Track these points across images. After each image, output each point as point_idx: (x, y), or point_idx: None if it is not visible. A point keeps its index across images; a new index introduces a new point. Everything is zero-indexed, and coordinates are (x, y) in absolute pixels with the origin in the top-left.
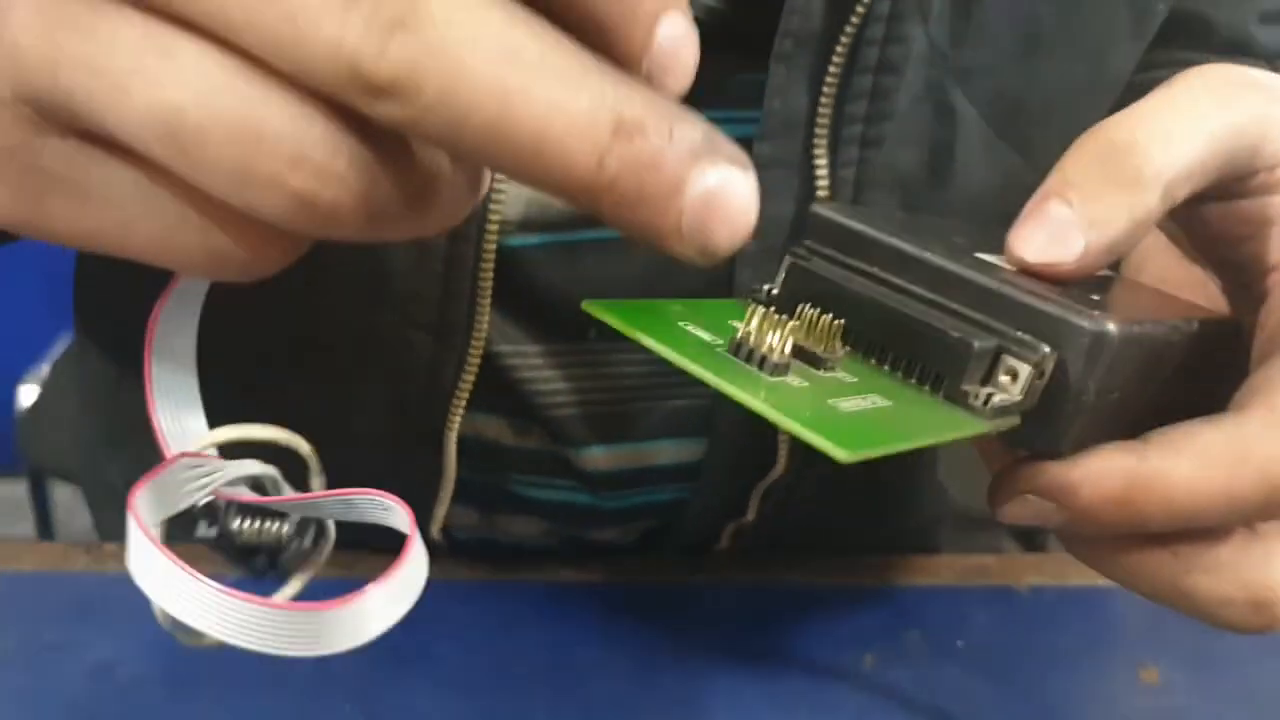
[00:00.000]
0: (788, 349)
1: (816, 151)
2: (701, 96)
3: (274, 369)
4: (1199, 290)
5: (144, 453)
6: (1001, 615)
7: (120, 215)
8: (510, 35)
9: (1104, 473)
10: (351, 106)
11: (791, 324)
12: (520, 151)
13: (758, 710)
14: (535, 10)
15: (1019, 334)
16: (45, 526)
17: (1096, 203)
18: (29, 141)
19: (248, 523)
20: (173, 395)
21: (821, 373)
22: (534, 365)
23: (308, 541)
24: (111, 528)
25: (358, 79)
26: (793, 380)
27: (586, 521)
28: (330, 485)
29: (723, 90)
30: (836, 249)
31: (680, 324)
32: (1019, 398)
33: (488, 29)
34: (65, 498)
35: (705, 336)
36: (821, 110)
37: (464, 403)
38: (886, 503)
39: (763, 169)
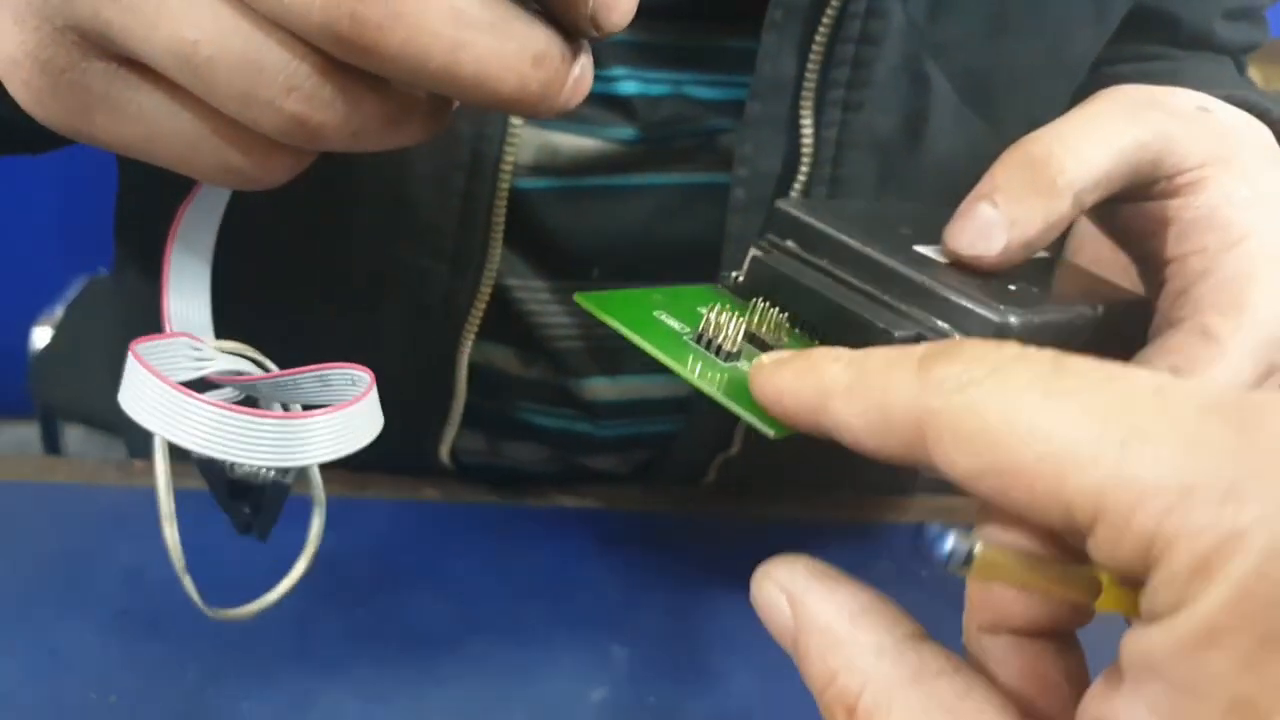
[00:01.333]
0: (740, 339)
1: (803, 112)
2: (698, 62)
3: (298, 295)
4: (1125, 272)
5: None
6: None
7: (149, 128)
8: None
9: None
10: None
11: (742, 321)
12: (466, 86)
13: (735, 625)
14: None
15: (937, 323)
16: None
17: (1017, 206)
18: (76, 63)
19: None
20: (185, 286)
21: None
22: (541, 300)
23: (289, 479)
24: (141, 444)
25: (331, 37)
26: (743, 365)
27: (585, 449)
28: None
29: (717, 57)
30: (796, 241)
31: (656, 313)
32: None
33: None
34: (76, 439)
35: (675, 325)
36: (808, 75)
37: (475, 330)
38: None
39: (753, 127)
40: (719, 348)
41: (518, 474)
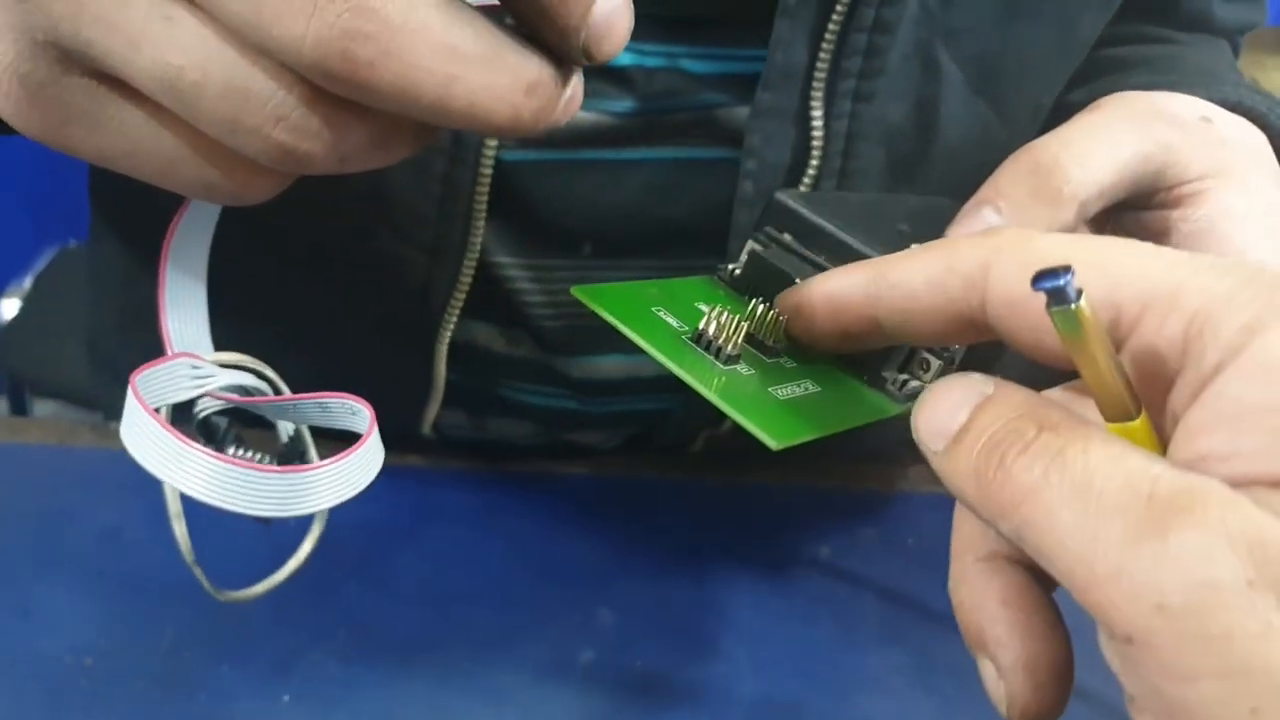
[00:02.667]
0: (740, 341)
1: (813, 103)
2: (693, 36)
3: (276, 282)
4: None
5: (155, 338)
6: (951, 519)
7: (129, 144)
8: (449, 34)
9: None
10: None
11: (743, 323)
12: (458, 116)
13: (720, 588)
14: None
15: None
16: None
17: (1022, 213)
18: (56, 78)
19: (243, 452)
20: (182, 303)
21: (767, 359)
22: (528, 278)
23: None
24: (117, 409)
25: (321, 73)
26: (742, 369)
27: (573, 425)
28: (324, 388)
29: (713, 31)
30: (793, 235)
31: (654, 310)
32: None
33: (431, 34)
34: (46, 413)
35: (673, 323)
36: (819, 64)
37: (455, 318)
38: None
39: (762, 118)
40: (719, 350)
41: (503, 447)
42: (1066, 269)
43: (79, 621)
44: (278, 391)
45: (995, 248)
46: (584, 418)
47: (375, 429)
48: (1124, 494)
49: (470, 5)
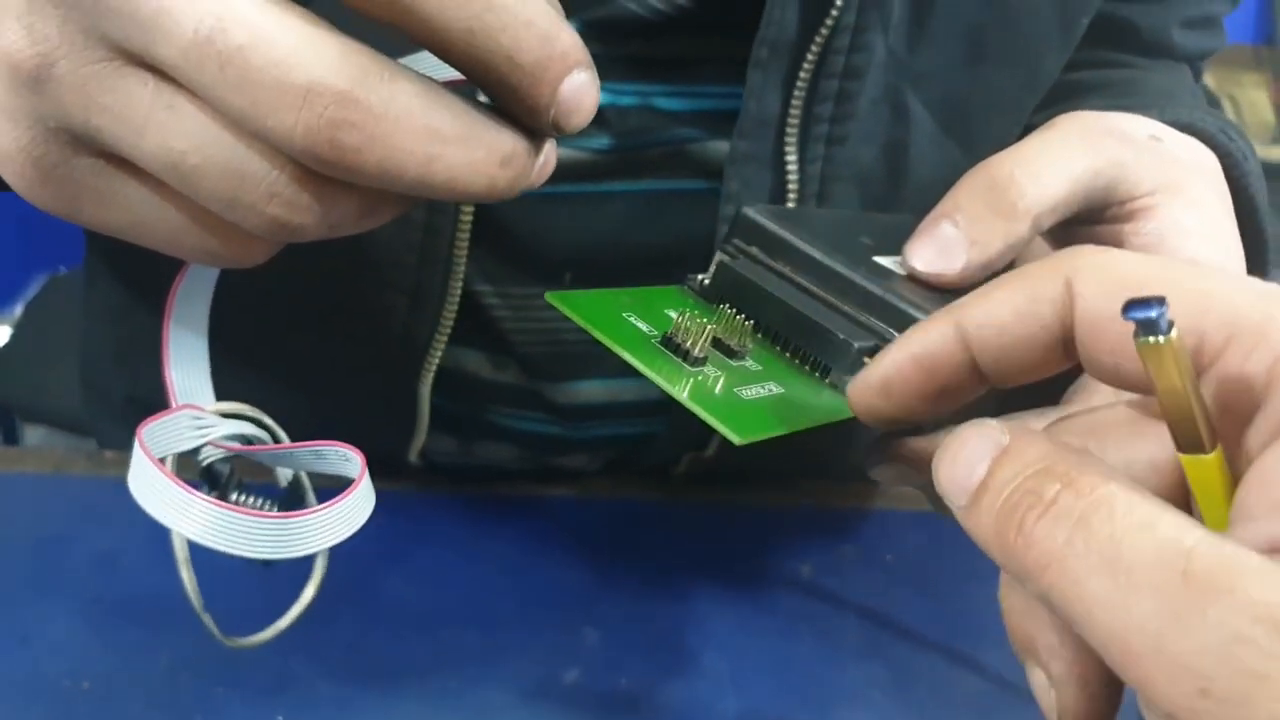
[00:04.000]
0: (707, 344)
1: (787, 149)
2: (664, 74)
3: (264, 330)
4: None
5: (147, 370)
6: (929, 536)
7: (135, 218)
8: (428, 118)
9: None
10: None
11: (710, 326)
12: (439, 189)
13: (702, 606)
14: (463, 65)
15: (894, 333)
16: None
17: (978, 226)
18: (67, 159)
19: (245, 497)
20: (184, 357)
21: (733, 362)
22: (513, 305)
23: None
24: (110, 438)
25: (312, 158)
26: (709, 370)
27: (557, 449)
28: (314, 424)
29: (683, 69)
30: (760, 248)
31: (625, 315)
32: None
33: (412, 119)
34: (37, 439)
35: (643, 328)
36: (792, 112)
37: (438, 355)
38: (833, 440)
39: (738, 165)
40: (686, 352)
41: (490, 472)
42: (1160, 300)
43: (77, 646)
44: (276, 438)
45: (1074, 268)
46: (567, 442)
47: (367, 474)
48: (1157, 570)
49: (444, 86)
